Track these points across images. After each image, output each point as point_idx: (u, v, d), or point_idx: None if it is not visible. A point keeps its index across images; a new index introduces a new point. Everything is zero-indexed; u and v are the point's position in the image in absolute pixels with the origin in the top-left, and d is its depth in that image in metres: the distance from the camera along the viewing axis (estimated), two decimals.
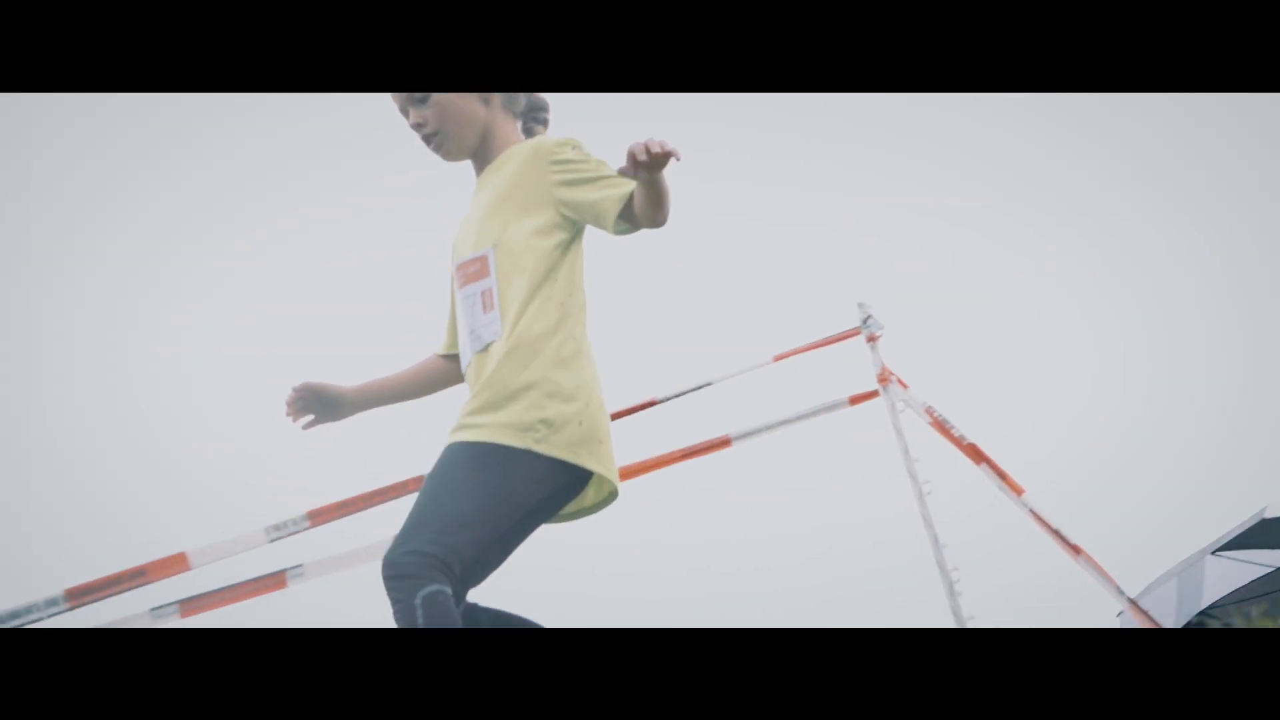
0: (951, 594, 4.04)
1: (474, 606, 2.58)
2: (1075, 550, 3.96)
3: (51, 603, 3.41)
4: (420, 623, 2.34)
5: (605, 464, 2.62)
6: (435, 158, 2.69)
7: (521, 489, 2.52)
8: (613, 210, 2.54)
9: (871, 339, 4.34)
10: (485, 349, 2.67)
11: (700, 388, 4.28)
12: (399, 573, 2.41)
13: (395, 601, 2.42)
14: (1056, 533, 3.99)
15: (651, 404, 4.25)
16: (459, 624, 2.41)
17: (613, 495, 2.72)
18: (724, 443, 4.23)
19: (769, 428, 4.30)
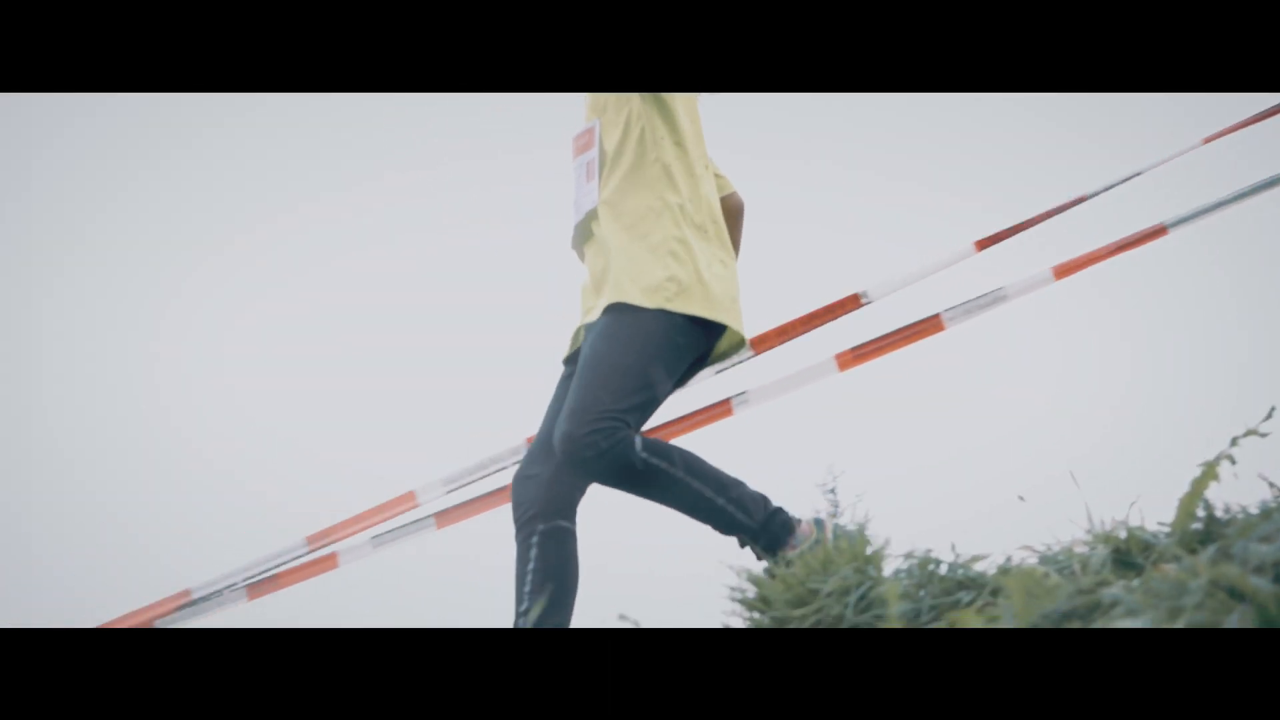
0: None
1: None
2: None
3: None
4: (663, 466, 2.46)
5: (735, 317, 2.69)
6: (436, 158, 2.78)
7: (665, 348, 2.58)
8: None
9: None
10: (587, 217, 2.76)
11: (1130, 178, 4.09)
12: (599, 449, 2.47)
13: (615, 474, 2.49)
14: None
15: (1082, 200, 4.09)
16: (688, 451, 2.51)
17: (741, 344, 2.81)
18: (1159, 232, 3.95)
19: (1206, 210, 3.91)
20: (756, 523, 2.46)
